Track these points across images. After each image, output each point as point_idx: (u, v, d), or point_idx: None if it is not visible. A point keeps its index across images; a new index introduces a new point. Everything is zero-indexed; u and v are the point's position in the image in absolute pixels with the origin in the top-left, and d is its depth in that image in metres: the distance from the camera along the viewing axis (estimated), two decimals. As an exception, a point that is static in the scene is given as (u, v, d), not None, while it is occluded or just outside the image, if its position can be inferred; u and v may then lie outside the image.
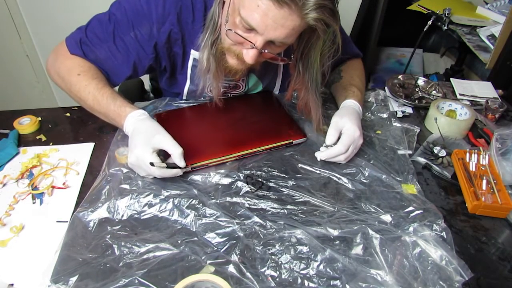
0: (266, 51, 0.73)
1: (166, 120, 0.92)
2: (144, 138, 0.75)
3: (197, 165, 0.80)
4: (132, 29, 0.84)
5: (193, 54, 0.91)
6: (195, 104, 1.01)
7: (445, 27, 1.58)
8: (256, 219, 0.70)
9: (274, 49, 0.74)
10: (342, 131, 0.83)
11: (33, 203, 0.76)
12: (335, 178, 0.80)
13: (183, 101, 1.03)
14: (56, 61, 0.88)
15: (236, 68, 0.81)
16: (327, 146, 0.83)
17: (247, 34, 0.71)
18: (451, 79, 1.20)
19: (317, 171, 0.82)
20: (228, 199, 0.74)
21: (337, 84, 1.03)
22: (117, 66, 0.88)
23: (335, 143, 0.82)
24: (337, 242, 0.66)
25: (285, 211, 0.72)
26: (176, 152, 0.74)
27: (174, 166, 0.74)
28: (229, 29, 0.73)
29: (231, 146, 0.84)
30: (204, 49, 0.81)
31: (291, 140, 0.88)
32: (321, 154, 0.83)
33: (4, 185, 0.80)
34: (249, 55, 0.73)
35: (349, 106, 0.90)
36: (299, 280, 0.61)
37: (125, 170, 0.79)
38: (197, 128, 0.91)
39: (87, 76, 0.84)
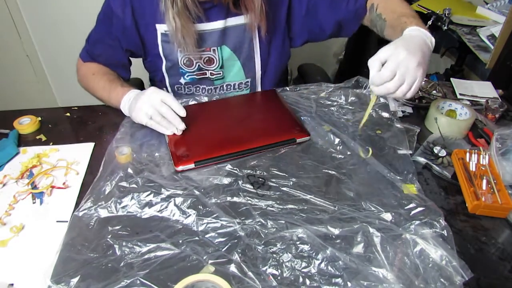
0: None
1: None
2: (153, 89, 0.86)
3: (200, 162, 0.80)
4: (108, 26, 0.97)
5: (159, 29, 0.96)
6: (199, 102, 1.01)
7: (445, 27, 1.58)
8: (257, 218, 0.70)
9: None
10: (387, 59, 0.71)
11: (33, 203, 0.76)
12: (335, 177, 0.80)
13: (183, 101, 1.03)
14: (78, 72, 1.07)
15: None
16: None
17: None
18: (451, 79, 1.19)
19: (318, 170, 0.82)
20: (228, 198, 0.74)
21: (386, 29, 0.95)
22: (115, 58, 1.03)
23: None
24: (338, 240, 0.66)
25: (286, 210, 0.72)
26: (176, 105, 0.84)
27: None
28: None
29: (234, 144, 0.85)
30: (167, 13, 0.87)
31: (295, 138, 0.88)
32: (372, 88, 0.74)
33: (4, 185, 0.80)
34: None
35: (402, 36, 0.79)
36: (301, 279, 0.61)
37: (124, 169, 0.79)
38: (200, 126, 0.91)
39: (100, 74, 1.01)
